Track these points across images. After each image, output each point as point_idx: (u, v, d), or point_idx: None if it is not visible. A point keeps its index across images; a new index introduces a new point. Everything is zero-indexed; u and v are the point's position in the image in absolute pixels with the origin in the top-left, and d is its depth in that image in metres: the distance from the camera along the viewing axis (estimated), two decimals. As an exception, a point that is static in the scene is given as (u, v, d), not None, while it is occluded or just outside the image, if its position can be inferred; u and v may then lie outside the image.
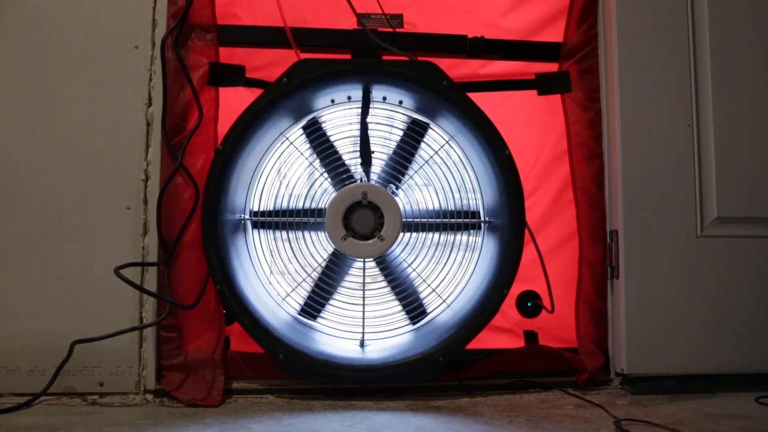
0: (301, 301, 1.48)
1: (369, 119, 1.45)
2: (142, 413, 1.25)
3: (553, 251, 1.53)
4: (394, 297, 1.49)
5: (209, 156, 1.40)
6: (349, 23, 1.53)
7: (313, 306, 1.48)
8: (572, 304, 1.51)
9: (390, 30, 1.53)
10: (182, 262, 1.39)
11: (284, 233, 1.47)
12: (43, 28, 1.41)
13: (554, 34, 1.57)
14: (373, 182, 1.47)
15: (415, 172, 1.48)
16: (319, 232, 1.47)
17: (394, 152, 1.49)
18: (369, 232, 1.44)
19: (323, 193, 1.47)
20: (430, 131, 1.49)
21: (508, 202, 1.39)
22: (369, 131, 1.45)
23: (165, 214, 1.38)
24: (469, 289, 1.47)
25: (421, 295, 1.50)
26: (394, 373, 1.34)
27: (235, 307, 1.35)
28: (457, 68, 1.57)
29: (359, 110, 1.46)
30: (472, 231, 1.50)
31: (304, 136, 1.48)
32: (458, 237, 1.50)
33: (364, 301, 1.47)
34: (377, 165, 1.48)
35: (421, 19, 1.58)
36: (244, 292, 1.38)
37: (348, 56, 1.50)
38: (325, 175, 1.47)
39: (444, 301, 1.48)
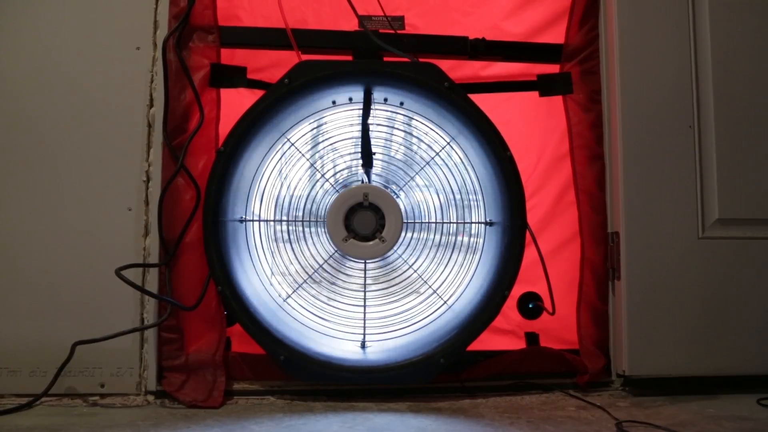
0: (303, 302, 1.49)
1: (370, 120, 1.45)
2: (143, 414, 1.25)
3: (554, 252, 1.52)
4: (395, 299, 1.49)
5: (210, 157, 1.40)
6: (350, 25, 1.53)
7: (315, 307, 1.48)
8: (574, 306, 1.51)
9: (391, 32, 1.53)
10: (183, 263, 1.39)
11: (285, 234, 1.47)
12: (43, 29, 1.41)
13: (555, 36, 1.57)
14: (374, 183, 1.47)
15: (417, 173, 1.48)
16: (320, 233, 1.47)
17: (395, 153, 1.49)
18: (370, 234, 1.44)
19: (324, 194, 1.48)
20: (431, 132, 1.49)
21: (509, 204, 1.39)
22: (370, 132, 1.45)
23: (166, 215, 1.38)
24: (471, 290, 1.47)
25: (422, 297, 1.50)
26: (396, 375, 1.34)
27: (236, 308, 1.35)
28: (458, 69, 1.57)
29: (360, 111, 1.46)
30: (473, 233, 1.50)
31: (305, 137, 1.49)
32: (459, 238, 1.50)
33: (365, 302, 1.47)
34: (378, 166, 1.49)
35: (422, 21, 1.58)
36: (245, 294, 1.38)
37: (349, 58, 1.50)
38: (327, 176, 1.48)
39: (445, 302, 1.48)
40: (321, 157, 1.50)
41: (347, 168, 1.49)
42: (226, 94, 1.48)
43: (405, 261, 1.49)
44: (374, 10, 1.53)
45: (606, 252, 1.48)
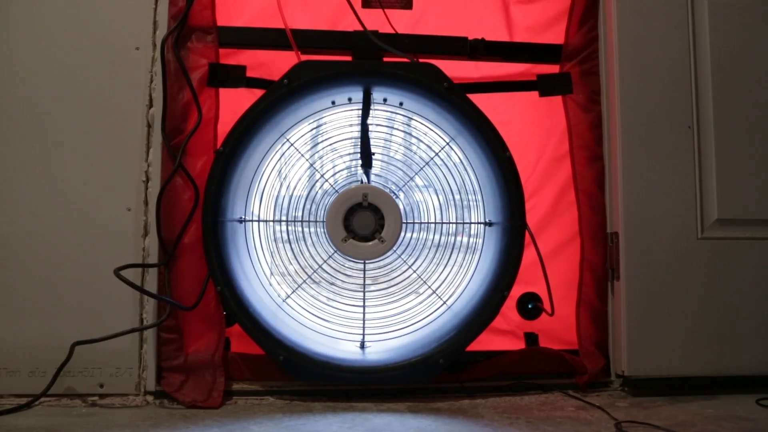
0: (302, 303, 1.49)
1: (369, 121, 1.45)
2: (142, 415, 1.25)
3: (554, 253, 1.52)
4: (394, 299, 1.49)
5: (209, 157, 1.40)
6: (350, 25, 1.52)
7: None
8: (573, 306, 1.51)
9: (390, 32, 1.52)
10: (182, 264, 1.39)
11: (284, 234, 1.47)
12: (43, 30, 1.41)
13: (555, 36, 1.57)
14: (373, 184, 1.47)
15: (416, 173, 1.48)
16: (319, 234, 1.47)
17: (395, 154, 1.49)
18: (369, 234, 1.44)
19: (324, 194, 1.48)
20: (430, 133, 1.50)
21: (508, 204, 1.39)
22: (369, 133, 1.45)
23: (165, 215, 1.38)
24: (470, 290, 1.47)
25: (421, 297, 1.50)
26: (395, 375, 1.34)
27: (235, 308, 1.35)
28: (458, 69, 1.56)
29: (360, 112, 1.46)
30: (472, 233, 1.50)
31: (304, 137, 1.49)
32: (459, 238, 1.50)
33: (364, 302, 1.47)
34: (377, 166, 1.49)
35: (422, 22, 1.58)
36: (244, 294, 1.38)
37: (349, 58, 1.50)
38: (326, 176, 1.48)
39: (444, 302, 1.48)
40: (320, 158, 1.50)
41: (347, 168, 1.49)
42: (227, 93, 1.48)
43: (404, 261, 1.49)
44: (376, 15, 1.53)
45: (605, 252, 1.48)
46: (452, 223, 1.50)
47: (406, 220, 1.47)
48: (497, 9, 1.58)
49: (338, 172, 1.49)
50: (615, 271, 1.44)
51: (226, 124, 1.42)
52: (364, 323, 1.46)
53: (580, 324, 1.50)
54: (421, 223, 1.50)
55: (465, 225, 1.51)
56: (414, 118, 1.50)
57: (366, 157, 1.44)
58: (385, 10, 1.52)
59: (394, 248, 1.45)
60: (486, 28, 1.56)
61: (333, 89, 1.43)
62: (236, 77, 1.48)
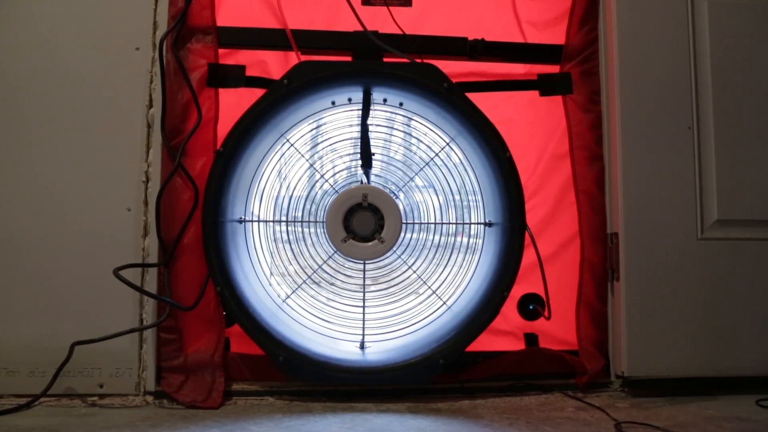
0: (302, 303, 1.49)
1: (369, 121, 1.45)
2: (142, 415, 1.24)
3: (555, 253, 1.52)
4: (394, 299, 1.49)
5: (209, 157, 1.40)
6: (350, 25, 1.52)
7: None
8: (574, 307, 1.51)
9: (390, 32, 1.52)
10: (182, 264, 1.39)
11: (284, 235, 1.47)
12: (44, 30, 1.41)
13: (555, 36, 1.57)
14: (373, 184, 1.47)
15: (416, 174, 1.48)
16: (319, 234, 1.47)
17: (395, 154, 1.49)
18: (369, 234, 1.44)
19: (324, 194, 1.48)
20: (430, 133, 1.50)
21: (508, 204, 1.39)
22: (369, 133, 1.45)
23: (164, 215, 1.38)
24: (470, 291, 1.47)
25: (421, 297, 1.50)
26: (395, 376, 1.34)
27: (235, 308, 1.35)
28: (458, 65, 1.56)
29: (360, 112, 1.46)
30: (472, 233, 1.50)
31: (304, 137, 1.49)
32: (459, 239, 1.50)
33: (364, 303, 1.47)
34: (377, 167, 1.49)
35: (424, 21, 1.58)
36: (244, 294, 1.38)
37: (349, 58, 1.50)
38: (326, 177, 1.48)
39: (444, 303, 1.48)
40: (320, 158, 1.50)
41: (346, 168, 1.49)
42: (227, 91, 1.48)
43: (404, 261, 1.49)
44: (378, 14, 1.53)
45: (605, 253, 1.48)
46: (452, 223, 1.50)
47: (406, 220, 1.47)
48: (503, 4, 1.59)
49: (338, 172, 1.49)
50: (615, 271, 1.44)
51: (226, 124, 1.42)
52: (363, 323, 1.46)
53: (580, 324, 1.50)
54: (421, 223, 1.50)
55: (465, 225, 1.51)
56: (414, 118, 1.50)
57: (366, 157, 1.44)
58: (386, 8, 1.52)
59: (394, 249, 1.45)
60: (487, 24, 1.56)
61: (333, 89, 1.43)
62: (236, 77, 1.48)
